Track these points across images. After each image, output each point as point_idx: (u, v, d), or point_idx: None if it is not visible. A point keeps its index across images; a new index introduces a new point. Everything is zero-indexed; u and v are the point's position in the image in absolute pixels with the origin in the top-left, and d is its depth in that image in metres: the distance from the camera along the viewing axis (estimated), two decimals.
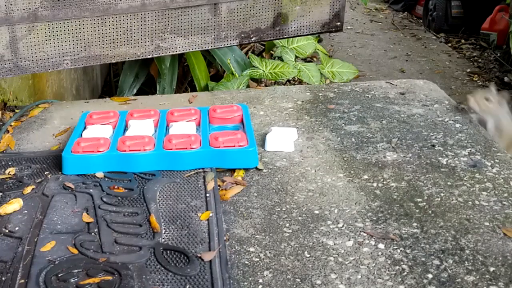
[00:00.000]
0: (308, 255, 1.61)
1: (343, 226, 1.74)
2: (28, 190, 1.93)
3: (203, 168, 2.04)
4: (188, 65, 3.80)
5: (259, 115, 2.53)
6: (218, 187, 1.94)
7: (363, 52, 7.30)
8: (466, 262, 1.57)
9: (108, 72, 4.98)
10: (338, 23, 2.99)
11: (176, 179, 1.98)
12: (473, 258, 1.59)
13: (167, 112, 2.35)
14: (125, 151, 2.04)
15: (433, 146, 2.23)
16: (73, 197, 1.88)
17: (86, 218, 1.77)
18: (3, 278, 1.51)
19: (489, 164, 2.09)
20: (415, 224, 1.75)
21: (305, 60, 5.03)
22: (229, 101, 2.69)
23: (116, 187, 1.94)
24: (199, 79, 3.62)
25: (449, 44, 7.72)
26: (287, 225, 1.75)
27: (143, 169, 2.03)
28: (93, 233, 1.69)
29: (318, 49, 4.30)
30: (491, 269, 1.55)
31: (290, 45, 4.05)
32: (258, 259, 1.59)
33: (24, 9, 2.35)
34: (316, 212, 1.81)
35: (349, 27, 8.42)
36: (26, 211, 1.81)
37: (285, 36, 2.93)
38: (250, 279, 1.52)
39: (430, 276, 1.52)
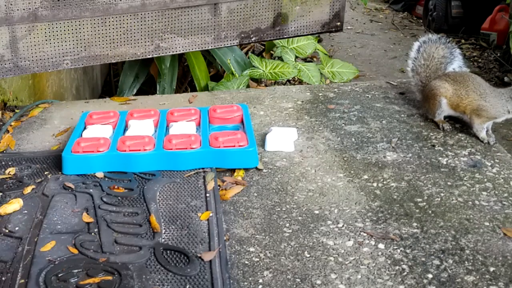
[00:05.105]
0: (308, 255, 1.61)
1: (343, 226, 1.74)
2: (28, 190, 1.93)
3: (203, 168, 2.04)
4: (188, 65, 3.80)
5: (259, 115, 2.53)
6: (218, 187, 1.94)
7: (363, 52, 7.30)
8: (466, 262, 1.57)
9: (108, 72, 4.97)
10: (338, 23, 2.99)
11: (176, 179, 1.98)
12: (473, 258, 1.59)
13: (167, 112, 2.35)
14: (125, 151, 2.04)
15: (433, 146, 2.23)
16: (73, 197, 1.88)
17: (86, 218, 1.77)
18: (3, 278, 1.51)
19: (489, 164, 2.09)
20: (415, 224, 1.75)
21: (305, 60, 5.03)
22: (229, 101, 2.69)
23: (116, 187, 1.94)
24: (199, 79, 3.61)
25: None
26: (287, 225, 1.75)
27: (143, 169, 2.03)
28: (93, 233, 1.69)
29: (318, 49, 4.30)
30: (491, 269, 1.55)
31: (290, 45, 4.05)
32: (258, 259, 1.59)
33: (24, 9, 2.35)
34: (316, 212, 1.81)
35: (349, 27, 8.41)
36: (26, 211, 1.81)
37: (285, 36, 2.93)
38: (250, 279, 1.52)
39: (430, 276, 1.52)
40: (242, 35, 2.81)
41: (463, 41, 7.57)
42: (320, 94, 2.76)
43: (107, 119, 2.31)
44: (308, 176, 2.02)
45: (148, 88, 3.97)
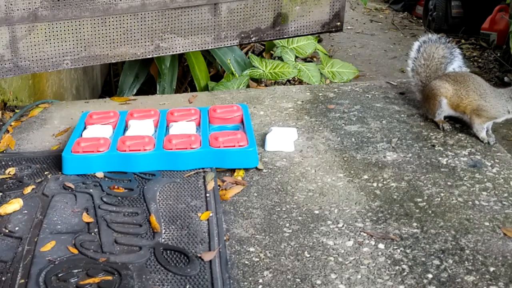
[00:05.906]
0: (308, 255, 1.61)
1: (343, 226, 1.74)
2: (28, 190, 1.93)
3: (203, 168, 2.04)
4: (188, 65, 3.80)
5: (259, 115, 2.53)
6: (218, 187, 1.94)
7: (363, 52, 7.30)
8: (466, 262, 1.57)
9: (108, 72, 4.98)
10: (338, 23, 2.99)
11: (176, 179, 1.98)
12: (473, 258, 1.59)
13: (167, 112, 2.35)
14: (125, 151, 2.04)
15: (433, 146, 2.23)
16: (73, 197, 1.88)
17: (86, 218, 1.77)
18: (3, 278, 1.51)
19: (489, 164, 2.09)
20: (415, 224, 1.75)
21: (305, 60, 5.03)
22: (229, 101, 2.69)
23: (116, 187, 1.94)
24: (199, 79, 3.61)
25: None
26: (287, 225, 1.75)
27: (143, 169, 2.03)
28: (93, 233, 1.69)
29: (318, 49, 4.29)
30: (491, 269, 1.55)
31: (290, 45, 4.04)
32: (258, 259, 1.59)
33: (24, 9, 2.35)
34: (316, 212, 1.81)
35: (349, 27, 8.41)
36: (26, 211, 1.81)
37: (285, 36, 2.93)
38: (250, 279, 1.52)
39: (430, 276, 1.52)
40: (242, 35, 2.81)
41: (463, 41, 7.57)
42: (320, 94, 2.76)
43: (107, 119, 2.31)
44: (308, 176, 2.02)
45: (148, 88, 3.97)
